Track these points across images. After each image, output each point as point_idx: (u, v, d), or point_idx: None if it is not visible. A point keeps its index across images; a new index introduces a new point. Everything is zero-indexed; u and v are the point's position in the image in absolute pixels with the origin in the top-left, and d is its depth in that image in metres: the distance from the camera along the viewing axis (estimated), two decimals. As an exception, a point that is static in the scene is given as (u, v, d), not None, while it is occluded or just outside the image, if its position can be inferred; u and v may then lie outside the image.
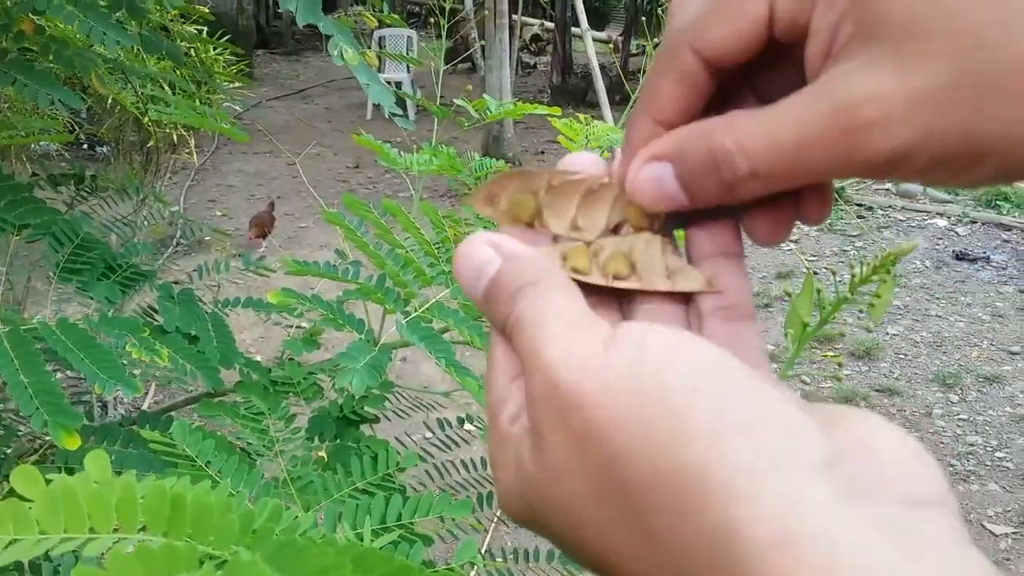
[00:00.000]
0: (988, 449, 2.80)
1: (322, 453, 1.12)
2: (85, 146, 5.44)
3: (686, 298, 0.28)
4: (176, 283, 1.34)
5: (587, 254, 0.29)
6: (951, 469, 2.71)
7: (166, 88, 2.12)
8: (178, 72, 2.10)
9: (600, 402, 0.21)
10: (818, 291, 0.51)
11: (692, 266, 0.28)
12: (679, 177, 0.26)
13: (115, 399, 3.15)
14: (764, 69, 0.27)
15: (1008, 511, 2.52)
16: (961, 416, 2.99)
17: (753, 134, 0.24)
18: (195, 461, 0.87)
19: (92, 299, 1.12)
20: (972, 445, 2.82)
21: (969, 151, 0.22)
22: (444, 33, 1.43)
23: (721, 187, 0.25)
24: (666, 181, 0.26)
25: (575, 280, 0.27)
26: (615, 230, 0.29)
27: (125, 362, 1.01)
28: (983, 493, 2.60)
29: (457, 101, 1.32)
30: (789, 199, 0.27)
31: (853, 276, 0.50)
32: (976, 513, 2.51)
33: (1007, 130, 0.22)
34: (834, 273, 0.54)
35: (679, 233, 0.29)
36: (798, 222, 0.28)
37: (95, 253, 1.16)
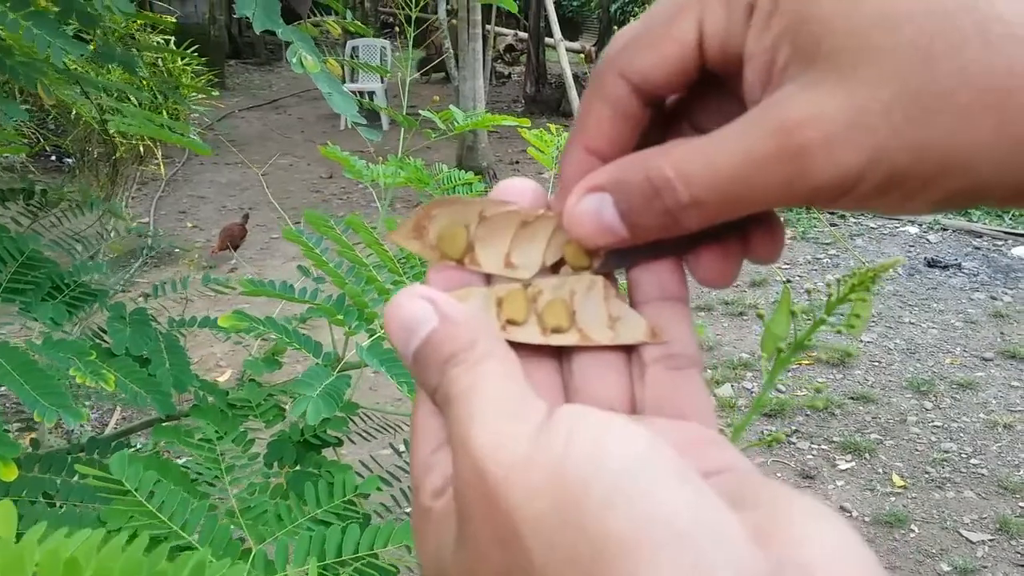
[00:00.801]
0: (963, 456, 2.80)
1: (281, 480, 1.08)
2: (53, 158, 5.34)
3: (629, 345, 0.27)
4: (146, 296, 1.29)
5: (524, 300, 0.27)
6: (926, 476, 2.71)
7: (132, 98, 2.06)
8: (144, 83, 2.05)
9: (523, 503, 0.20)
10: (793, 313, 0.48)
11: (636, 311, 0.27)
12: (618, 208, 0.25)
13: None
14: (703, 103, 0.27)
15: (984, 518, 2.52)
16: (935, 423, 2.99)
17: (691, 161, 0.23)
18: (134, 495, 0.83)
19: (37, 320, 1.07)
20: (947, 452, 2.83)
21: (921, 172, 0.21)
22: (411, 41, 1.40)
23: (663, 217, 0.24)
24: (605, 213, 0.25)
25: (511, 341, 0.26)
26: (554, 268, 0.28)
27: (74, 385, 0.97)
28: (959, 500, 2.60)
29: (423, 112, 1.29)
30: (736, 236, 0.26)
31: (830, 296, 0.47)
32: (952, 520, 2.51)
33: (958, 146, 0.21)
34: (809, 292, 0.51)
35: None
36: (747, 261, 0.27)
37: (41, 272, 1.11)
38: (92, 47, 1.14)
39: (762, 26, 0.22)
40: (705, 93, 0.26)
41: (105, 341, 1.13)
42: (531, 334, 0.26)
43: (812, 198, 0.22)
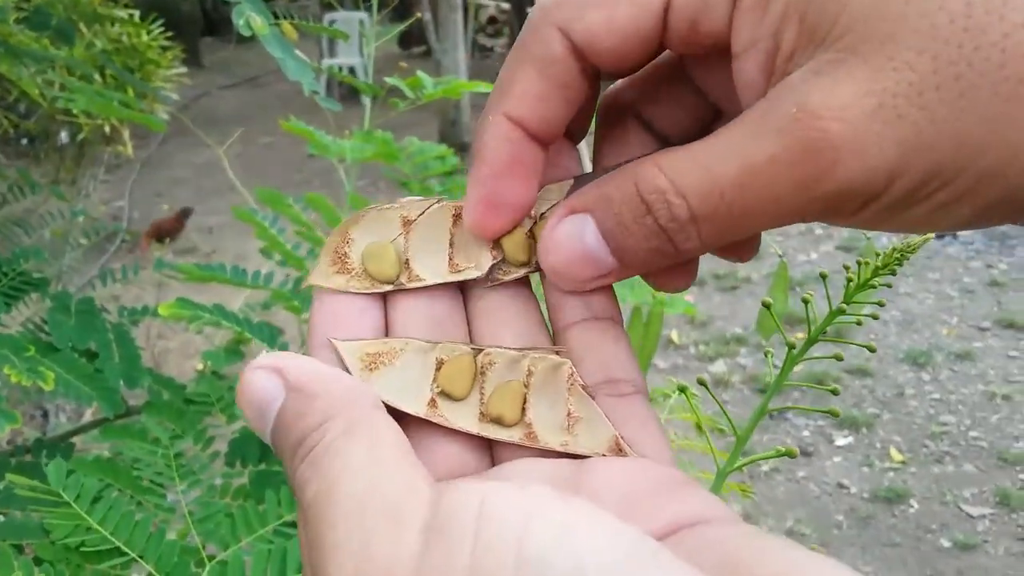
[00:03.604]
0: (962, 429, 2.75)
1: (244, 480, 1.00)
2: (24, 142, 5.19)
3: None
4: (93, 283, 1.21)
5: (470, 370, 0.22)
6: (925, 450, 2.66)
7: (98, 76, 1.95)
8: (93, 58, 1.94)
9: None
10: (806, 300, 0.40)
11: (601, 413, 0.22)
12: (602, 229, 0.21)
13: (56, 407, 2.99)
14: (656, 98, 0.23)
15: (984, 491, 2.48)
16: (933, 396, 2.94)
17: (684, 169, 0.20)
18: (72, 506, 0.75)
19: (-31, 314, 0.98)
20: (945, 425, 2.77)
21: (962, 170, 0.17)
22: (375, 7, 1.30)
23: (657, 239, 0.20)
24: (587, 237, 0.21)
25: (433, 418, 0.22)
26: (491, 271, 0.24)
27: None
28: (958, 474, 2.55)
29: (388, 80, 1.19)
30: None
31: (849, 280, 0.40)
32: (952, 495, 2.47)
33: (1006, 137, 0.17)
34: (824, 276, 0.43)
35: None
36: (725, 259, 0.24)
37: (-27, 261, 1.02)
38: (14, 16, 1.04)
39: (758, 8, 0.19)
40: (659, 86, 0.23)
41: (48, 334, 1.05)
42: (465, 418, 0.22)
43: (833, 206, 0.19)
